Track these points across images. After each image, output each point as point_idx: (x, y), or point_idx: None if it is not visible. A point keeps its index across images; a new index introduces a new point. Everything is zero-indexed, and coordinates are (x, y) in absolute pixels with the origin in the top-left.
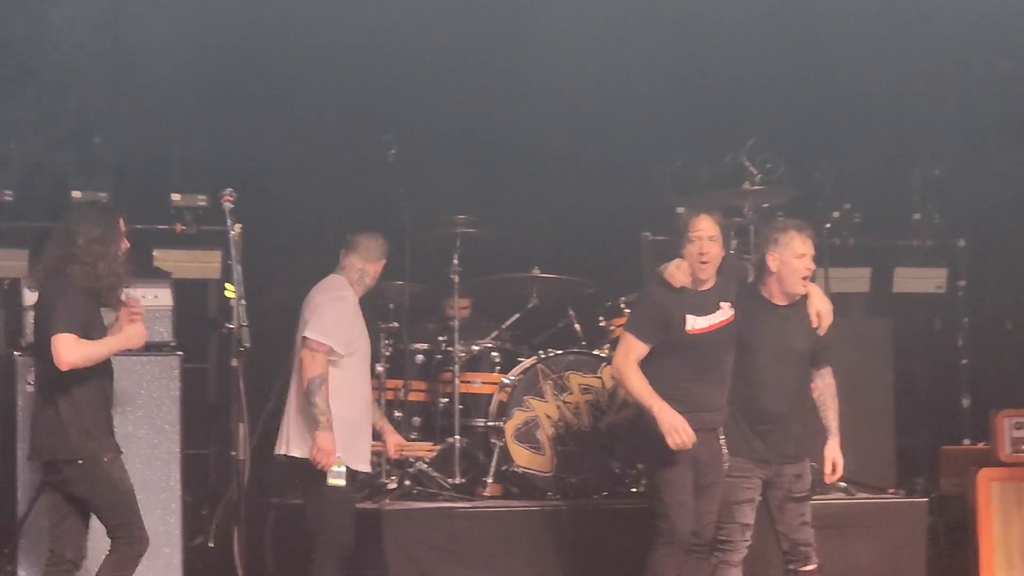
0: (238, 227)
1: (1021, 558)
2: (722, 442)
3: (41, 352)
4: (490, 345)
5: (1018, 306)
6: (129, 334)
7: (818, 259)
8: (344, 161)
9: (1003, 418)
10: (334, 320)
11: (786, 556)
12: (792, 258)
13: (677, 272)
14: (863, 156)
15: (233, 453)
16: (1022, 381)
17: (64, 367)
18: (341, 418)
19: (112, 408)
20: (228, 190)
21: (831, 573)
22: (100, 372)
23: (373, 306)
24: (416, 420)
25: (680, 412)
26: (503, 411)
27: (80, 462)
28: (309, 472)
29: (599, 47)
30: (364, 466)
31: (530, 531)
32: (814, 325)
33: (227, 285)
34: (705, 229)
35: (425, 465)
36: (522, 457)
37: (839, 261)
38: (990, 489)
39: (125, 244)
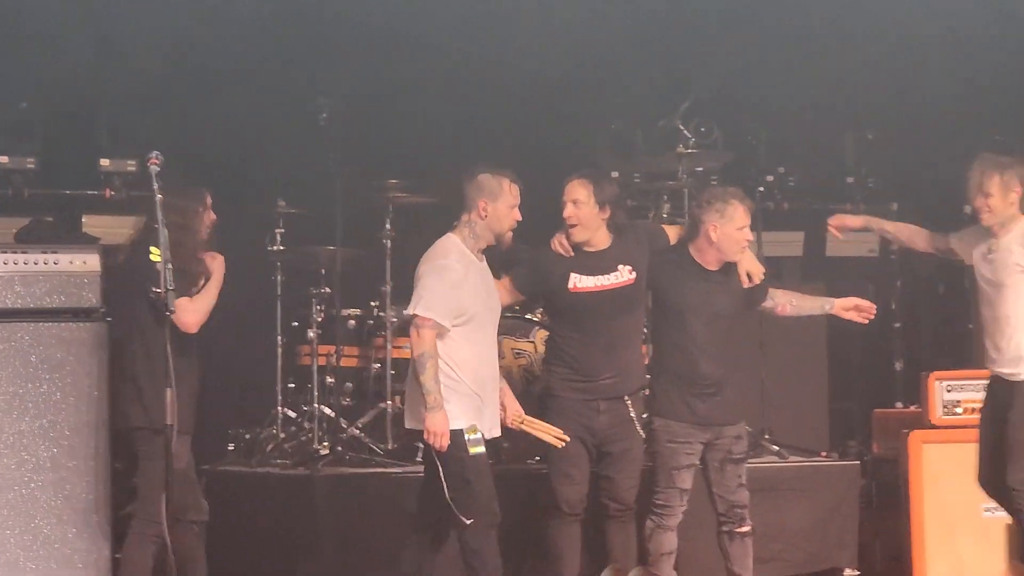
0: None
1: (952, 520)
2: (629, 406)
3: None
4: None
5: (950, 270)
6: (217, 274)
7: (752, 223)
8: (275, 125)
9: (934, 381)
10: (433, 291)
11: (721, 518)
12: (733, 230)
13: (557, 246)
14: (797, 120)
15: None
16: (954, 344)
17: (193, 329)
18: (465, 389)
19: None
20: (154, 153)
21: (764, 536)
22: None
23: (304, 271)
24: (348, 386)
25: (570, 377)
26: None
27: (152, 431)
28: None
29: (533, 13)
30: (495, 431)
31: None
32: (745, 287)
33: (152, 249)
34: (568, 193)
35: (357, 431)
36: None
37: (772, 225)
38: (921, 452)
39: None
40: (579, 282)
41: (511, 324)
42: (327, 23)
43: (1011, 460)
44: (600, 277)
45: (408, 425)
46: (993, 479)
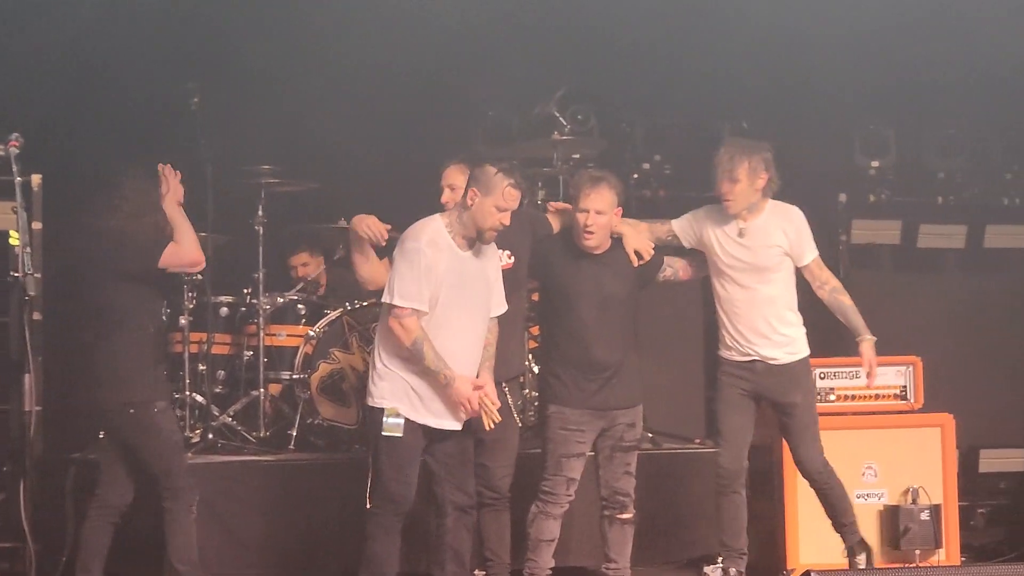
0: (37, 177)
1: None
2: (507, 394)
3: (95, 298)
4: (295, 297)
5: (824, 258)
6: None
7: (627, 211)
8: (146, 109)
9: None
10: (404, 277)
11: (603, 502)
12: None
13: None
14: (673, 109)
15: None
16: (827, 332)
17: (202, 262)
18: (394, 375)
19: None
20: (14, 135)
21: (639, 521)
22: (149, 318)
23: None
24: (220, 374)
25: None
26: (308, 364)
27: (131, 410)
28: (370, 422)
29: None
30: (448, 423)
31: (336, 484)
32: (635, 265)
33: (11, 233)
34: (446, 178)
35: (229, 419)
36: (328, 410)
37: (649, 213)
38: None
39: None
40: None
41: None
42: (200, 6)
43: (804, 442)
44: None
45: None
46: (737, 463)
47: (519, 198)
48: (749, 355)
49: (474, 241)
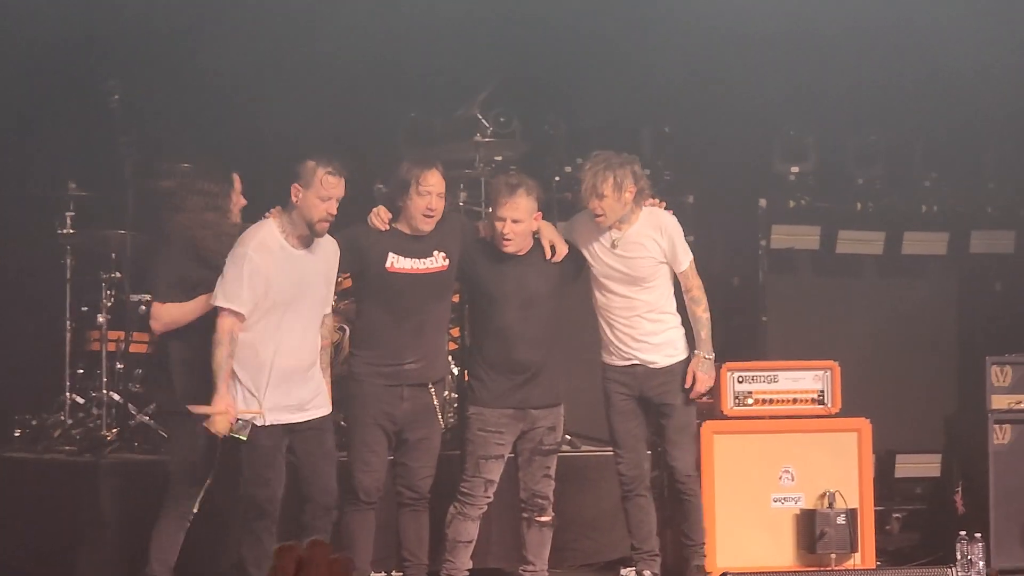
0: None
1: (742, 509)
2: (432, 395)
3: None
4: None
5: (744, 263)
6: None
7: (548, 213)
8: (66, 106)
9: (726, 372)
10: (227, 279)
11: (522, 504)
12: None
13: (375, 219)
14: (595, 113)
15: None
16: (746, 336)
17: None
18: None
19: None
20: None
21: (557, 524)
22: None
23: (95, 255)
24: (138, 372)
25: (375, 361)
26: None
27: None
28: None
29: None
30: (288, 417)
31: None
32: (548, 256)
33: None
34: (436, 185)
35: (146, 418)
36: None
37: (571, 216)
38: (712, 442)
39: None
40: (396, 262)
41: None
42: (118, 3)
43: (680, 444)
44: (416, 260)
45: None
46: (636, 468)
47: (340, 184)
48: (629, 359)
49: (309, 239)
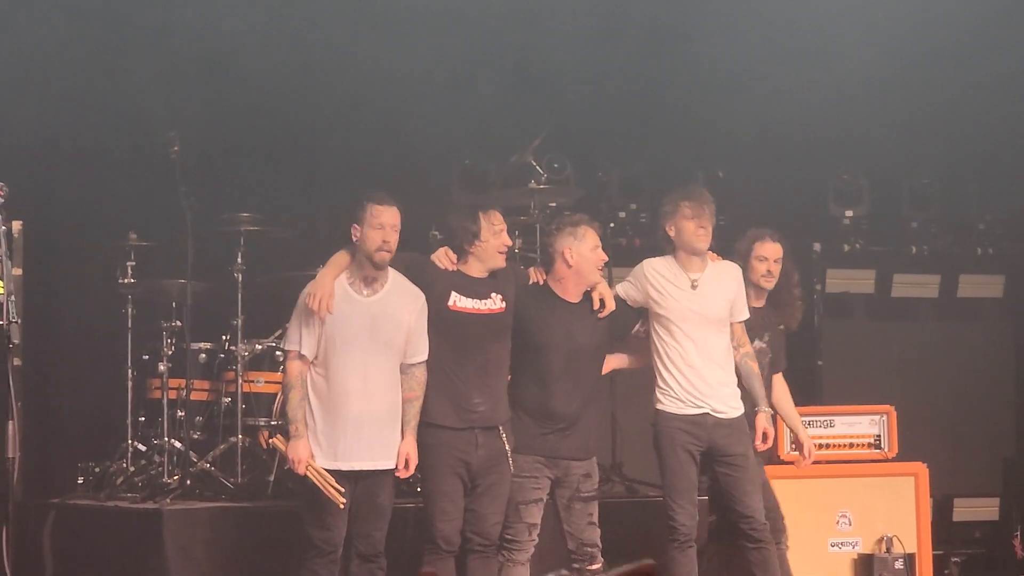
0: (17, 224)
1: (800, 554)
2: (504, 440)
3: None
4: (274, 344)
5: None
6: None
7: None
8: (127, 158)
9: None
10: (292, 323)
11: (572, 555)
12: (587, 250)
13: (443, 259)
14: (649, 158)
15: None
16: (804, 381)
17: None
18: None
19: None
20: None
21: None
22: None
23: (155, 304)
24: (199, 419)
25: (447, 405)
26: None
27: None
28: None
29: (388, 42)
30: (355, 464)
31: None
32: (595, 308)
33: None
34: (504, 223)
35: (208, 465)
36: None
37: (625, 262)
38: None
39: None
40: (459, 301)
41: None
42: (178, 55)
43: (751, 496)
44: (477, 301)
45: None
46: (694, 519)
47: (390, 211)
48: (701, 407)
49: (373, 279)
